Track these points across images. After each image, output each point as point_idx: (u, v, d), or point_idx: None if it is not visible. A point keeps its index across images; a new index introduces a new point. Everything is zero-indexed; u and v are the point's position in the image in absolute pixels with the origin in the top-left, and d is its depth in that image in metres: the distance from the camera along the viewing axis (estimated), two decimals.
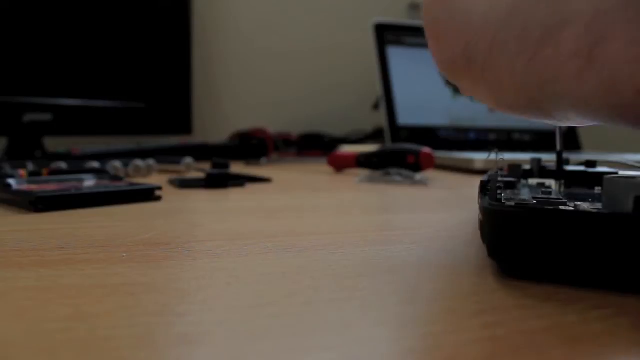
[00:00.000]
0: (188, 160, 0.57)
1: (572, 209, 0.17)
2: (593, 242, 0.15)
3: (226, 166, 0.46)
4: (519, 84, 0.16)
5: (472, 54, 0.17)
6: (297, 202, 0.36)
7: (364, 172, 0.53)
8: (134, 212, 0.30)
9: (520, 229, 0.16)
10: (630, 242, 0.15)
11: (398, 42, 0.84)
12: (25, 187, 0.34)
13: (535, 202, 0.19)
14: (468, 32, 0.17)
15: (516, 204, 0.18)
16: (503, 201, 0.18)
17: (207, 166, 0.47)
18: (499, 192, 0.19)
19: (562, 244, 0.16)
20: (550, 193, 0.22)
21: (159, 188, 0.36)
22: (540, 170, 0.29)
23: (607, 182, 0.19)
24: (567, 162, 0.29)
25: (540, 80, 0.15)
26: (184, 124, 0.79)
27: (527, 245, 0.16)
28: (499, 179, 0.22)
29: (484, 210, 0.18)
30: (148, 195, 0.35)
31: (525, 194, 0.22)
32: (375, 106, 0.88)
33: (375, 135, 0.86)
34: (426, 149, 0.52)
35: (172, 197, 0.37)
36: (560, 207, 0.17)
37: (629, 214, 0.15)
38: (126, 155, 0.60)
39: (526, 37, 0.15)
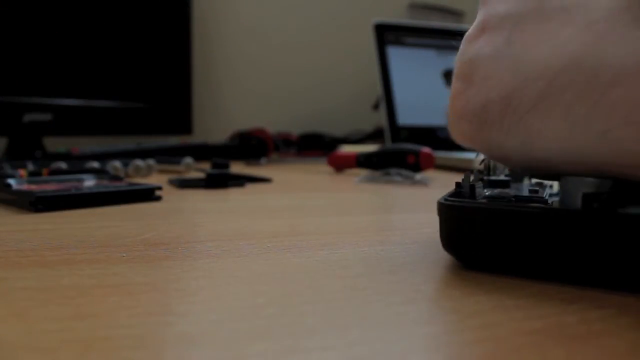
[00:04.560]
0: (188, 160, 0.57)
1: (520, 205, 0.17)
2: (539, 237, 0.16)
3: (226, 166, 0.46)
4: (575, 129, 0.15)
5: (515, 99, 0.17)
6: (297, 202, 0.36)
7: (364, 172, 0.53)
8: (134, 212, 0.30)
9: (469, 223, 0.17)
10: (578, 237, 0.16)
11: (398, 42, 0.84)
12: (25, 187, 0.34)
13: (514, 199, 0.20)
14: (517, 77, 0.17)
15: (470, 200, 0.19)
16: (477, 197, 0.19)
17: (207, 166, 0.47)
18: (477, 188, 0.20)
19: (509, 239, 0.17)
20: (537, 192, 0.22)
21: (159, 188, 0.36)
22: None
23: (563, 181, 0.19)
24: None
25: (604, 124, 0.15)
26: (184, 124, 0.79)
27: (477, 239, 0.17)
28: (486, 177, 0.23)
29: (437, 205, 0.19)
30: (148, 195, 0.35)
31: (512, 192, 0.22)
32: (375, 106, 0.88)
33: (375, 135, 0.86)
34: (426, 149, 0.52)
35: (172, 197, 0.37)
36: (519, 204, 0.18)
37: (577, 210, 0.16)
38: (126, 155, 0.60)
39: (594, 79, 0.15)
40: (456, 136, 0.21)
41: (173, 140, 0.74)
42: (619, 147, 0.15)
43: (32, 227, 0.26)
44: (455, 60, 0.20)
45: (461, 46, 0.20)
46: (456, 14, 1.06)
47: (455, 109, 0.19)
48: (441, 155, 0.65)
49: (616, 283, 0.16)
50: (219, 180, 0.44)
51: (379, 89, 0.80)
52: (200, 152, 0.67)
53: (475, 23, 0.20)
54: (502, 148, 0.18)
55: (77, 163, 0.50)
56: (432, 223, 0.28)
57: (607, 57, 0.15)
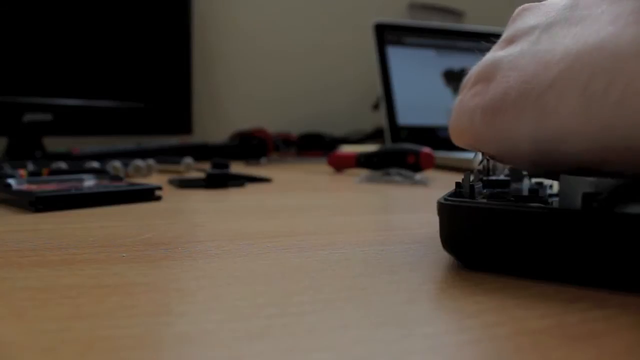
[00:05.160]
0: (188, 160, 0.57)
1: (517, 205, 0.18)
2: (539, 237, 0.16)
3: (226, 166, 0.46)
4: (591, 103, 0.15)
5: (533, 82, 0.17)
6: (297, 202, 0.36)
7: (364, 172, 0.53)
8: (134, 212, 0.30)
9: (469, 223, 0.18)
10: (578, 237, 0.16)
11: (398, 42, 0.84)
12: (25, 187, 0.34)
13: (513, 199, 0.20)
14: (539, 64, 0.17)
15: (469, 200, 0.19)
16: (477, 197, 0.19)
17: (207, 166, 0.47)
18: (477, 188, 0.20)
19: (509, 239, 0.17)
20: (536, 192, 0.22)
21: (159, 188, 0.36)
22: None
23: (563, 180, 0.19)
24: None
25: (621, 94, 0.15)
26: (184, 124, 0.79)
27: (477, 238, 0.18)
28: (485, 177, 0.23)
29: (437, 204, 0.19)
30: (148, 195, 0.35)
31: (512, 192, 0.22)
32: (375, 106, 0.88)
33: (375, 135, 0.86)
34: (426, 149, 0.52)
35: (172, 197, 0.37)
36: (519, 203, 0.18)
37: (576, 210, 0.16)
38: (126, 155, 0.60)
39: (615, 56, 0.15)
40: (461, 135, 0.21)
41: (173, 140, 0.74)
42: (633, 116, 0.15)
43: (32, 227, 0.26)
44: (476, 66, 0.20)
45: (486, 55, 0.20)
46: (456, 14, 1.06)
47: (468, 107, 0.20)
48: (441, 155, 0.65)
49: (617, 283, 0.16)
50: (219, 180, 0.44)
51: (379, 89, 0.80)
52: (200, 152, 0.67)
53: (502, 38, 0.21)
54: (513, 136, 0.18)
55: (77, 163, 0.50)
56: (432, 223, 0.28)
57: (632, 37, 0.15)
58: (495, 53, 0.20)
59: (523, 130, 0.18)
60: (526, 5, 0.21)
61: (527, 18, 0.20)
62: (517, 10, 0.21)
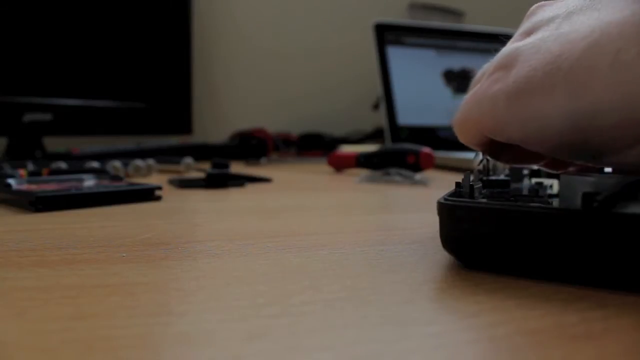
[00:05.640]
0: (188, 160, 0.57)
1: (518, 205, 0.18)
2: (539, 236, 0.16)
3: (226, 166, 0.46)
4: (620, 73, 0.15)
5: (560, 59, 0.17)
6: (297, 202, 0.36)
7: (364, 172, 0.53)
8: (134, 212, 0.30)
9: (469, 223, 0.17)
10: (578, 236, 0.16)
11: (398, 42, 0.84)
12: (25, 187, 0.34)
13: (513, 199, 0.20)
14: (563, 44, 0.17)
15: (469, 199, 0.19)
16: (476, 197, 0.19)
17: (207, 166, 0.47)
18: (477, 187, 0.20)
19: (509, 239, 0.17)
20: (536, 191, 0.22)
21: (159, 188, 0.36)
22: (533, 171, 0.29)
23: (562, 180, 0.19)
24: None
25: None
26: (184, 124, 0.79)
27: (477, 238, 0.18)
28: (485, 177, 0.23)
29: (437, 204, 0.19)
30: (148, 195, 0.35)
31: (512, 191, 0.22)
32: (375, 106, 0.88)
33: (375, 135, 0.86)
34: (426, 149, 0.52)
35: (172, 197, 0.37)
36: (519, 203, 0.18)
37: (576, 210, 0.16)
38: (126, 155, 0.60)
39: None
40: (476, 124, 0.20)
41: (173, 140, 0.74)
42: None
43: (32, 227, 0.26)
44: (495, 57, 0.21)
45: (503, 48, 0.20)
46: (456, 14, 1.06)
47: (487, 94, 0.19)
48: (441, 155, 0.65)
49: (616, 283, 0.16)
50: (219, 180, 0.44)
51: (379, 89, 0.80)
52: (200, 152, 0.67)
53: (519, 32, 0.21)
54: (544, 116, 0.18)
55: (77, 163, 0.50)
56: (432, 223, 0.28)
57: None
58: (514, 44, 0.20)
59: (555, 109, 0.17)
60: (541, 2, 0.21)
61: (544, 12, 0.20)
62: (532, 8, 0.21)
